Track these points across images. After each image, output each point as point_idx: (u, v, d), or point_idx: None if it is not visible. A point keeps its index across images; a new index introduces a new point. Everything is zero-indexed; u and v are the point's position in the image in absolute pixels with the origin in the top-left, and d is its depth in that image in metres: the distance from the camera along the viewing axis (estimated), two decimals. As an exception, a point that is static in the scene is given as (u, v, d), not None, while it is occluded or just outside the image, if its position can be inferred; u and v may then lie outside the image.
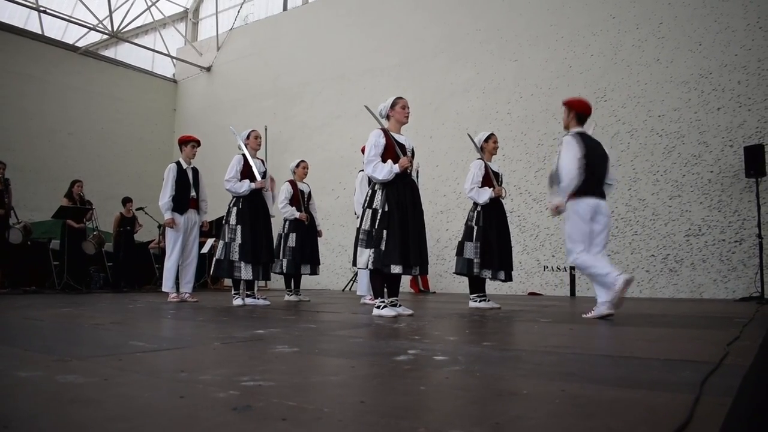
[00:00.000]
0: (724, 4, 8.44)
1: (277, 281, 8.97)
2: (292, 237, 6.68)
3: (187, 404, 1.35)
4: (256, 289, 6.01)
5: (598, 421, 1.21)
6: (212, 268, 5.78)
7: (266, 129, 6.64)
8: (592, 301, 4.71)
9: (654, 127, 8.79)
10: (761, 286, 7.02)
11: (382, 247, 4.14)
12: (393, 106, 4.48)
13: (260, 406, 1.31)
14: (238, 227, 5.56)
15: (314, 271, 6.84)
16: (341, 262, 11.58)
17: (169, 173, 6.31)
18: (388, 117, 4.52)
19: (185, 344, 2.66)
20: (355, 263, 4.33)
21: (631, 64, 9.12)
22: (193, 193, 6.43)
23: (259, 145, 5.99)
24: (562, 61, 9.77)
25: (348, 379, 1.78)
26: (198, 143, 6.54)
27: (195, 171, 6.50)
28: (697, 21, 8.63)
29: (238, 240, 5.52)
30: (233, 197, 5.71)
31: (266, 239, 5.71)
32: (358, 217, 4.94)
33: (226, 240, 5.57)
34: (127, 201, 10.09)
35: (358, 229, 4.32)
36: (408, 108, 4.52)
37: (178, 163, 6.40)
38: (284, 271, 6.73)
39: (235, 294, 5.81)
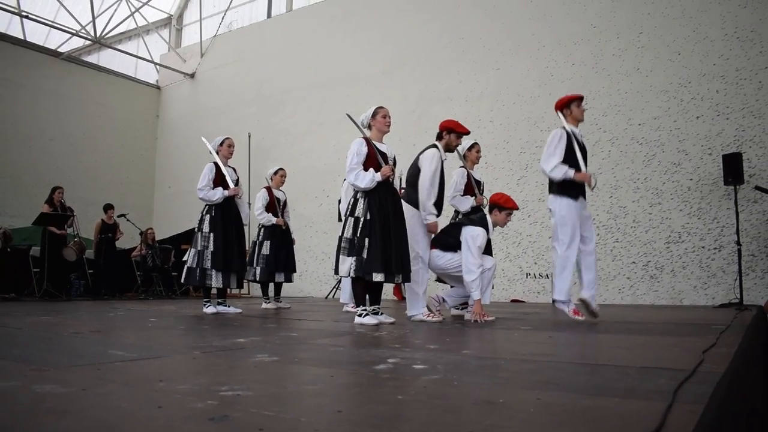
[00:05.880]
0: (702, 14, 8.59)
1: (257, 289, 8.94)
2: (266, 245, 6.63)
3: (165, 414, 1.35)
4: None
5: (570, 430, 1.23)
6: (183, 277, 5.68)
7: (250, 136, 6.62)
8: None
9: (634, 135, 8.90)
10: (740, 292, 7.12)
11: (364, 255, 4.16)
12: (374, 115, 4.50)
13: (237, 417, 1.31)
14: (211, 235, 5.50)
15: (288, 279, 6.80)
16: (324, 270, 11.55)
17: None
18: (369, 126, 4.54)
19: (164, 353, 2.65)
20: (337, 271, 4.34)
21: (611, 73, 9.23)
22: None
23: (231, 153, 5.84)
24: (543, 69, 9.87)
25: (326, 388, 1.78)
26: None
27: None
28: (676, 31, 8.77)
29: (211, 248, 5.47)
30: (206, 205, 5.64)
31: (239, 247, 5.67)
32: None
33: (199, 248, 5.51)
34: (108, 208, 10.00)
35: (340, 237, 4.34)
36: (389, 117, 4.55)
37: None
38: (257, 279, 6.71)
39: (206, 302, 5.76)
